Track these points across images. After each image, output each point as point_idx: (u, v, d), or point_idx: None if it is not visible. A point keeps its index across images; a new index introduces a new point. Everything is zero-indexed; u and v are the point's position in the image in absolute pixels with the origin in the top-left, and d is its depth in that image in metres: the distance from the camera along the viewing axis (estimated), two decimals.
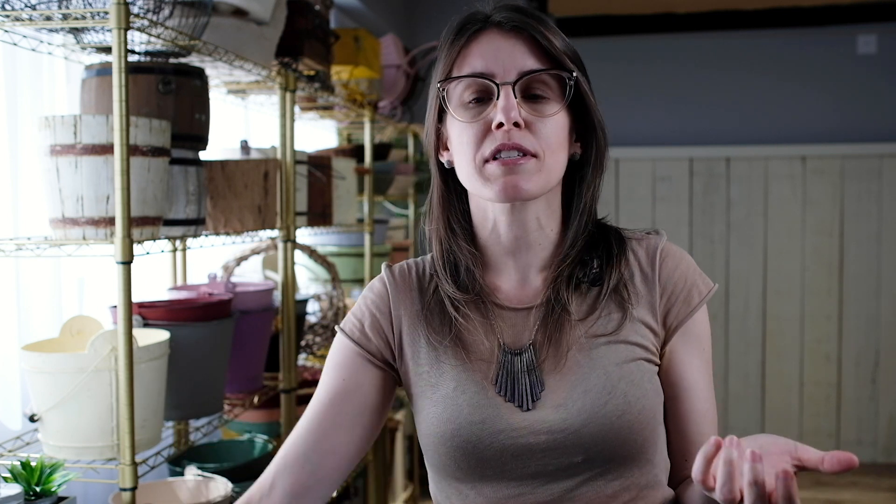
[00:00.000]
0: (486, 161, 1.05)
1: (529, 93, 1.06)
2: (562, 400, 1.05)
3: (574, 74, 1.06)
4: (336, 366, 1.16)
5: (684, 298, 1.11)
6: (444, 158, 1.14)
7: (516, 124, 1.04)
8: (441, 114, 1.13)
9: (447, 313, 1.11)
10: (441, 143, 1.14)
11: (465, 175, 1.09)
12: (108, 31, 1.72)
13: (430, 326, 1.12)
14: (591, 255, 1.11)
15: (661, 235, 1.16)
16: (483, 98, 1.07)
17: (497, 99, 1.05)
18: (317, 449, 1.13)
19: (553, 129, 1.06)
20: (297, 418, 2.36)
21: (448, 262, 1.14)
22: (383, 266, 1.20)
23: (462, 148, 1.08)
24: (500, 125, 1.04)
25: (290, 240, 2.31)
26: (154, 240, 1.69)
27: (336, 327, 1.19)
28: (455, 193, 1.15)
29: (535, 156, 1.05)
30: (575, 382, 1.05)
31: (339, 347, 1.17)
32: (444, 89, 1.09)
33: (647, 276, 1.11)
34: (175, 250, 2.34)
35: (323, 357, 3.05)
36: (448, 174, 1.15)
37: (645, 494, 1.07)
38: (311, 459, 1.12)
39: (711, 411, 1.12)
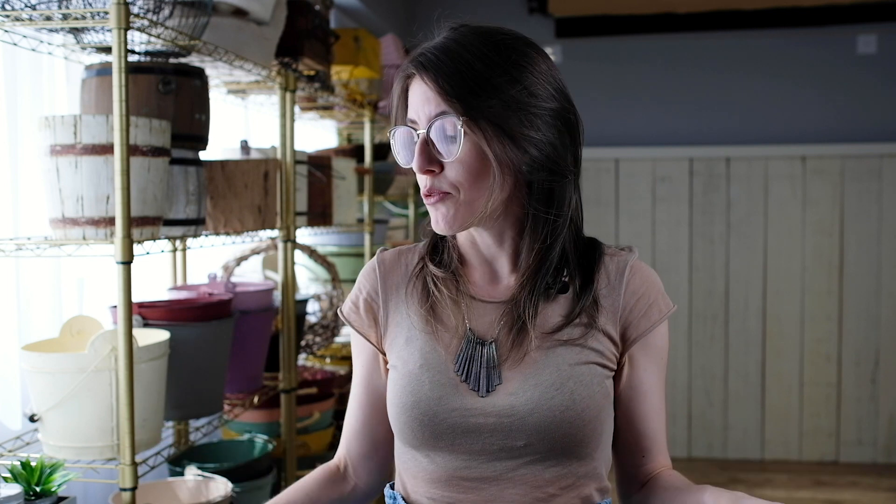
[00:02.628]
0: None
1: (444, 133, 1.13)
2: (514, 389, 1.15)
3: (462, 119, 1.11)
4: (356, 354, 1.31)
5: (644, 314, 1.20)
6: None
7: (430, 170, 1.14)
8: None
9: (428, 289, 1.23)
10: None
11: None
12: (108, 31, 1.72)
13: (409, 301, 1.24)
14: (562, 263, 1.19)
15: (633, 252, 1.25)
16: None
17: None
18: (369, 424, 1.30)
19: (462, 169, 1.13)
20: (296, 418, 2.38)
21: (436, 251, 1.26)
22: (378, 252, 1.32)
23: None
24: None
25: (290, 240, 2.31)
26: (154, 240, 1.69)
27: (340, 314, 1.31)
28: None
29: (450, 193, 1.14)
30: (528, 375, 1.15)
31: (354, 337, 1.31)
32: (392, 133, 1.20)
33: (614, 289, 1.21)
34: (175, 250, 2.34)
35: (323, 357, 3.08)
36: None
37: (582, 483, 1.17)
38: (368, 432, 1.30)
39: (664, 413, 1.26)
